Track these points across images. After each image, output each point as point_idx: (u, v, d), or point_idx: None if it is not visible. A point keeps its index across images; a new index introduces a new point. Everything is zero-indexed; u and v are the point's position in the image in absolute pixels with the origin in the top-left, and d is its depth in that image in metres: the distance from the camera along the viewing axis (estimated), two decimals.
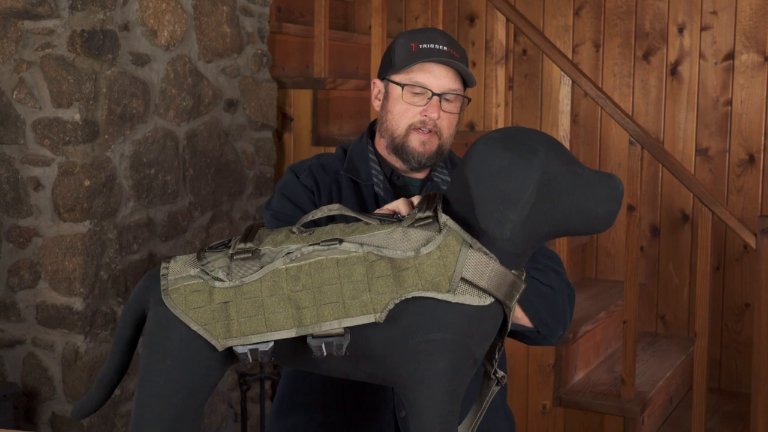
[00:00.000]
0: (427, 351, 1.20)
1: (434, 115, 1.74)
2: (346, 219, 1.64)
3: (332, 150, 3.11)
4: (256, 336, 1.21)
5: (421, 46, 1.73)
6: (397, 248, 1.23)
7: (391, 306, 1.20)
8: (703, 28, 3.95)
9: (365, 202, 1.78)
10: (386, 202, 1.73)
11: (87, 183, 2.70)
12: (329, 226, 1.29)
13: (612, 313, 3.72)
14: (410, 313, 1.20)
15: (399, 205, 1.42)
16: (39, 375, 2.81)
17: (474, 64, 4.38)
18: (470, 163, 1.22)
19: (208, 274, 1.24)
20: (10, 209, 2.78)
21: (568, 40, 4.18)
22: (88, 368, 2.76)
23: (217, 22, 3.19)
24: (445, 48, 1.74)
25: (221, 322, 1.21)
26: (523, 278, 1.26)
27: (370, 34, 3.52)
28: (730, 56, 3.90)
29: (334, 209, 1.32)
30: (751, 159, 3.88)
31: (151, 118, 2.92)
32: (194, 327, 1.21)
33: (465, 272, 1.21)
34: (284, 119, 3.61)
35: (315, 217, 1.32)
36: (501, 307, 1.25)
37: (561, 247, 3.30)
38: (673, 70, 4.01)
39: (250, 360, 1.21)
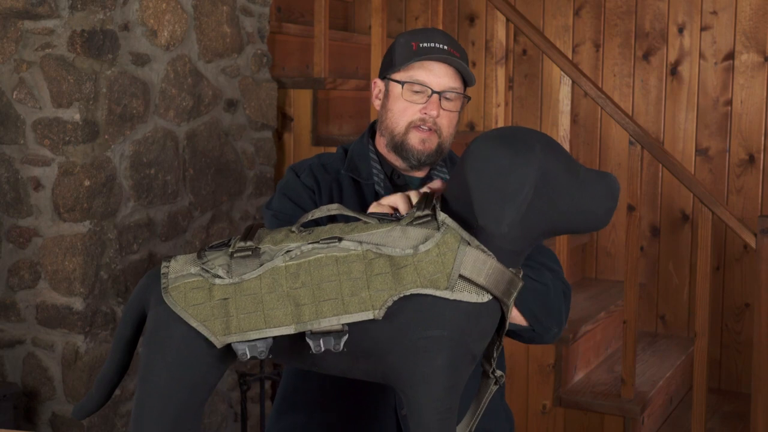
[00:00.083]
0: (426, 348, 1.21)
1: (434, 113, 1.74)
2: (346, 218, 1.64)
3: (332, 150, 3.11)
4: (255, 332, 1.20)
5: (421, 45, 1.74)
6: (395, 246, 1.23)
7: (389, 303, 1.20)
8: (703, 28, 3.95)
9: (366, 201, 1.78)
10: None
11: (87, 183, 2.70)
12: (329, 226, 1.30)
13: (612, 313, 3.72)
14: (409, 310, 1.21)
15: (396, 200, 1.43)
16: (39, 375, 2.81)
17: (474, 64, 4.38)
18: (469, 161, 1.23)
19: (208, 271, 1.24)
20: (10, 209, 2.79)
21: (568, 40, 4.18)
22: (88, 368, 2.77)
23: (217, 22, 3.19)
24: (446, 47, 1.74)
25: (220, 318, 1.21)
26: (520, 276, 1.27)
27: (370, 34, 3.52)
28: (730, 56, 3.90)
29: (333, 209, 1.32)
30: (751, 159, 3.88)
31: (151, 118, 2.92)
32: (193, 323, 1.21)
33: (463, 269, 1.21)
34: (284, 119, 3.61)
35: (314, 217, 1.32)
36: (499, 304, 1.25)
37: (561, 246, 3.30)
38: (673, 70, 4.01)
39: (248, 356, 1.20)
